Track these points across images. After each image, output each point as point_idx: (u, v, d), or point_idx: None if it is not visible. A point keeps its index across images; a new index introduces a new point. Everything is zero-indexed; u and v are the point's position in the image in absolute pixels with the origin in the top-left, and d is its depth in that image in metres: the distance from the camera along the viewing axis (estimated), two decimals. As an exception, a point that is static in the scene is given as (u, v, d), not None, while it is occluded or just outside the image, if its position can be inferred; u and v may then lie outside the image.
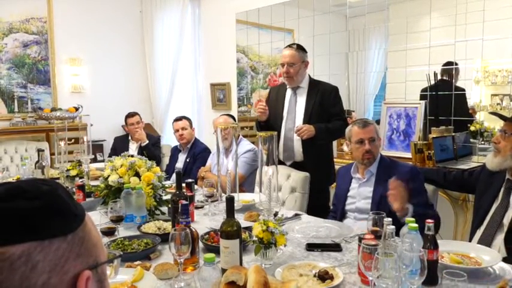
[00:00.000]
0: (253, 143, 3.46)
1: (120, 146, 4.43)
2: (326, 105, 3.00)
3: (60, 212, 0.60)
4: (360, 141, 2.35)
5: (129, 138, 4.56)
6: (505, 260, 1.63)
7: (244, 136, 3.66)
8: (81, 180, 2.81)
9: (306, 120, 2.97)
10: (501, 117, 2.12)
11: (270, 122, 3.10)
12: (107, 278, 0.67)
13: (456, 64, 3.36)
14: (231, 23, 5.21)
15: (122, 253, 1.67)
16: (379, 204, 2.21)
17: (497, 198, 1.96)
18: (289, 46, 3.05)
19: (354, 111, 4.25)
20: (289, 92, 3.10)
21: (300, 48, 3.04)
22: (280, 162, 3.01)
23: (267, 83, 5.09)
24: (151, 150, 4.35)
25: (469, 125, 3.36)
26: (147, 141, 4.40)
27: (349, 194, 2.42)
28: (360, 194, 2.38)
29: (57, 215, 0.59)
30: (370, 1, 3.83)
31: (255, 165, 3.23)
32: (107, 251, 0.70)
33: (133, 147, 4.46)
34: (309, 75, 3.13)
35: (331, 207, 2.61)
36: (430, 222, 1.45)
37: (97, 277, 0.63)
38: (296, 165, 3.01)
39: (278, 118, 3.09)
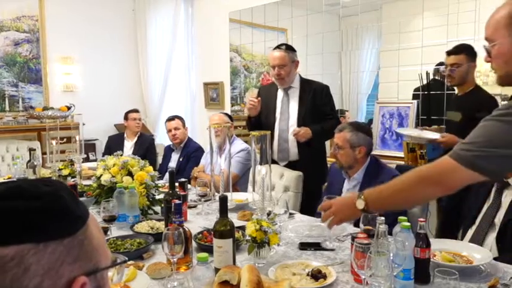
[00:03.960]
0: (246, 142, 3.46)
1: (114, 144, 4.41)
2: (318, 105, 3.00)
3: (59, 214, 0.58)
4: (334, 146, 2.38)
5: (124, 136, 4.54)
6: (496, 259, 1.65)
7: (238, 135, 3.66)
8: (73, 179, 2.79)
9: (300, 121, 2.97)
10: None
11: (262, 122, 3.10)
12: (107, 283, 0.64)
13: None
14: (224, 22, 5.21)
15: (126, 258, 1.66)
16: None
17: (488, 198, 1.98)
18: (278, 48, 3.03)
19: (347, 111, 4.27)
20: (280, 93, 3.10)
21: (289, 49, 3.02)
22: (274, 162, 3.01)
23: (260, 82, 5.09)
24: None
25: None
26: None
27: (341, 195, 2.42)
28: None
29: (55, 217, 0.57)
30: (363, 1, 3.84)
31: (248, 165, 3.22)
32: (111, 254, 0.67)
33: (128, 146, 4.44)
34: (299, 75, 3.13)
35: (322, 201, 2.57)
36: (422, 221, 1.46)
37: (95, 283, 0.61)
38: (290, 165, 3.01)
39: (270, 119, 3.08)
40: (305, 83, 3.08)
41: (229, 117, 3.59)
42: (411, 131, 2.87)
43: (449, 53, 2.82)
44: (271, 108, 3.10)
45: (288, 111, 3.04)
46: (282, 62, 2.96)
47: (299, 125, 2.99)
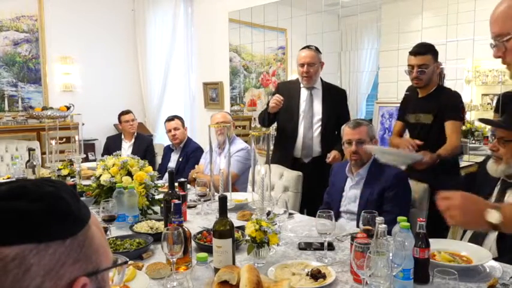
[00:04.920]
0: (246, 142, 3.46)
1: (112, 145, 4.41)
2: (339, 110, 3.15)
3: (60, 215, 0.58)
4: (349, 142, 2.36)
5: (122, 137, 4.54)
6: (495, 259, 1.65)
7: (237, 135, 3.66)
8: (72, 179, 2.79)
9: (324, 120, 3.10)
10: (491, 123, 2.12)
11: (280, 119, 3.20)
12: (108, 284, 0.64)
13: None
14: (223, 22, 5.21)
15: (128, 259, 1.66)
16: (365, 208, 2.21)
17: (490, 199, 1.98)
18: (308, 47, 3.15)
19: (346, 111, 4.26)
20: (304, 92, 3.18)
21: (317, 50, 3.15)
22: (296, 160, 3.11)
23: (259, 82, 5.09)
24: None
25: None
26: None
27: (343, 193, 2.42)
28: (349, 196, 2.38)
29: (57, 218, 0.58)
30: (363, 1, 3.84)
31: (248, 164, 3.23)
32: (112, 255, 0.67)
33: (126, 147, 4.45)
34: (320, 77, 3.22)
35: (323, 203, 2.57)
36: (421, 221, 1.46)
37: (96, 284, 0.61)
38: (314, 161, 3.10)
39: (294, 116, 3.15)
40: (326, 86, 3.21)
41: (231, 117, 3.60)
42: (391, 150, 2.62)
43: (415, 54, 2.65)
44: (294, 106, 3.17)
45: (313, 111, 3.15)
46: (312, 61, 3.08)
47: (323, 124, 3.11)
